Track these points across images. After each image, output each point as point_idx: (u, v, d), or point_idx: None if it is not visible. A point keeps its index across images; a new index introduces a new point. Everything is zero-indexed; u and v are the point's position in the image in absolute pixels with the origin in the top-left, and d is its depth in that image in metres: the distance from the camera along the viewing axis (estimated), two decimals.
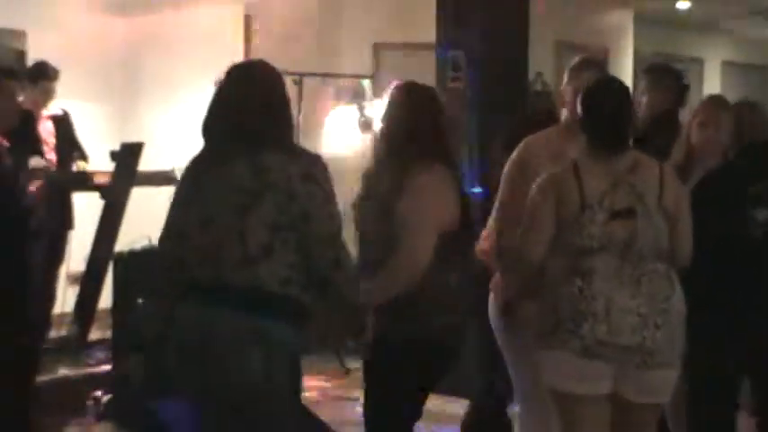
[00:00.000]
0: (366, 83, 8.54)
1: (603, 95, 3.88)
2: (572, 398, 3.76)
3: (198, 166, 3.57)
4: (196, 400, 3.54)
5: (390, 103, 4.04)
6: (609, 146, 3.82)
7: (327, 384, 7.16)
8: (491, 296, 4.44)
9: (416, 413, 3.95)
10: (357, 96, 8.51)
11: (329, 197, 3.46)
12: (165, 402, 4.64)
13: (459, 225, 3.91)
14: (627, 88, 3.95)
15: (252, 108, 3.48)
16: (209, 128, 3.54)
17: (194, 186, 3.54)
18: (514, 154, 4.35)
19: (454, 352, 3.96)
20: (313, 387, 6.84)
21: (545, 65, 9.01)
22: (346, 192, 8.28)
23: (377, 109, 8.49)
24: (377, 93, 8.69)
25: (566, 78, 4.40)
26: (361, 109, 8.44)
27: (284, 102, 3.58)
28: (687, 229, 3.87)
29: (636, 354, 3.69)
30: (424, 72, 7.58)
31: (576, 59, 4.51)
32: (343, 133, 8.53)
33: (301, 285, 3.41)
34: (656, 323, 3.70)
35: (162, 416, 4.68)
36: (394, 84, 4.11)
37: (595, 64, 4.60)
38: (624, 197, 3.74)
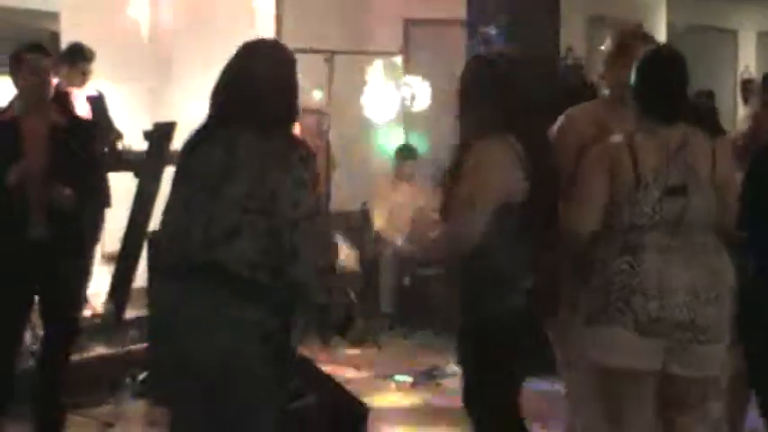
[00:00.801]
0: (397, 59, 8.52)
1: (661, 65, 3.84)
2: (621, 374, 3.73)
3: (190, 143, 3.57)
4: (173, 379, 3.46)
5: (465, 77, 3.99)
6: (663, 116, 3.77)
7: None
8: None
9: (516, 385, 3.95)
10: (388, 73, 8.50)
11: (299, 183, 3.31)
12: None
13: (534, 197, 3.84)
14: (684, 59, 3.89)
15: (246, 87, 3.47)
16: (210, 102, 3.57)
17: (183, 164, 3.55)
18: (556, 124, 4.32)
19: (533, 327, 3.95)
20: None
21: (577, 39, 8.95)
22: (377, 168, 8.25)
23: (408, 85, 8.54)
24: (407, 69, 8.70)
25: (612, 50, 4.31)
26: (393, 85, 8.44)
27: (284, 83, 3.52)
28: (735, 201, 3.85)
29: (688, 330, 3.66)
30: (455, 48, 7.58)
31: (625, 30, 4.46)
32: (375, 110, 8.53)
33: (273, 271, 3.30)
34: (708, 298, 3.68)
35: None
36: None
37: (649, 37, 4.52)
38: (677, 173, 3.71)
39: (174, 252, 3.40)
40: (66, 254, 5.12)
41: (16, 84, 5.10)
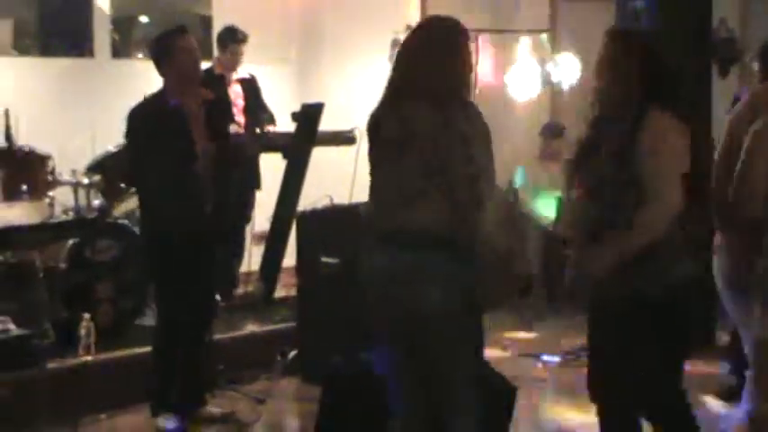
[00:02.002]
0: (544, 37, 8.41)
1: None
2: None
3: (373, 119, 3.74)
4: (386, 340, 3.80)
5: (607, 53, 3.89)
6: None
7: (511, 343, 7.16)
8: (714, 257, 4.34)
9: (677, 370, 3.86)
10: (536, 51, 8.40)
11: (468, 140, 3.50)
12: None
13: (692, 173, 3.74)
14: None
15: (417, 61, 3.65)
16: (388, 78, 3.72)
17: (370, 141, 3.77)
18: (741, 102, 4.21)
19: (697, 306, 3.85)
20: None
21: (730, 10, 8.64)
22: (523, 146, 8.14)
23: (556, 63, 8.42)
24: (555, 47, 8.57)
25: None
26: (540, 63, 8.33)
27: (455, 58, 3.66)
28: None
29: None
30: (604, 24, 7.41)
31: None
32: (523, 89, 8.44)
33: (461, 228, 3.54)
34: None
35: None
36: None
37: None
38: None
39: (380, 221, 3.68)
40: (222, 234, 5.31)
41: (162, 68, 5.17)
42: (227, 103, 6.87)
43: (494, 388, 4.46)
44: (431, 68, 3.61)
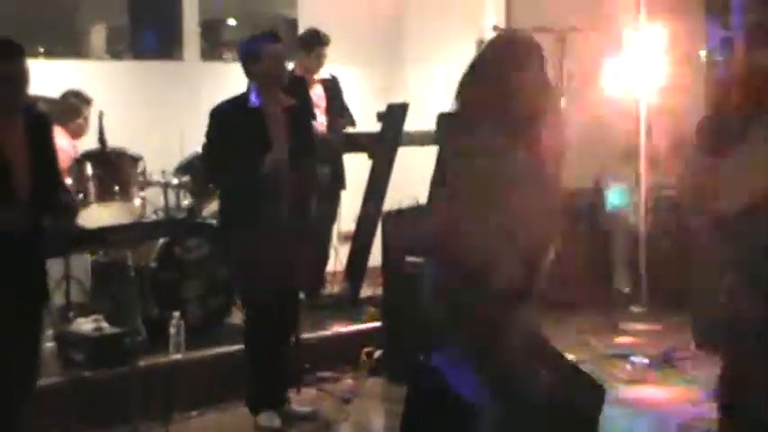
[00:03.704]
0: (630, 34, 8.29)
1: None
2: None
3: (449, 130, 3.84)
4: None
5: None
6: None
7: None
8: None
9: None
10: (623, 48, 8.30)
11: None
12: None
13: None
14: None
15: (475, 79, 3.65)
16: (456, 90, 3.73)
17: None
18: None
19: None
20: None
21: None
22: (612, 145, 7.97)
23: (644, 60, 8.31)
24: (642, 44, 8.45)
25: None
26: (627, 60, 8.24)
27: (510, 78, 3.58)
28: None
29: None
30: (693, 21, 7.33)
31: None
32: (612, 87, 8.36)
33: None
34: None
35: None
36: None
37: None
38: None
39: None
40: (302, 235, 5.33)
41: (249, 71, 5.24)
42: (308, 108, 6.91)
43: (582, 388, 4.42)
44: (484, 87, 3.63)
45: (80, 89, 6.88)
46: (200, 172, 6.27)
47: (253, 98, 5.22)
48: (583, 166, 8.42)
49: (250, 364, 5.39)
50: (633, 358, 6.63)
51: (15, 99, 4.15)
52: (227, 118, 5.21)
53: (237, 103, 5.26)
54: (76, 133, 6.79)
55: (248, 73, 5.25)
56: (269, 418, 5.36)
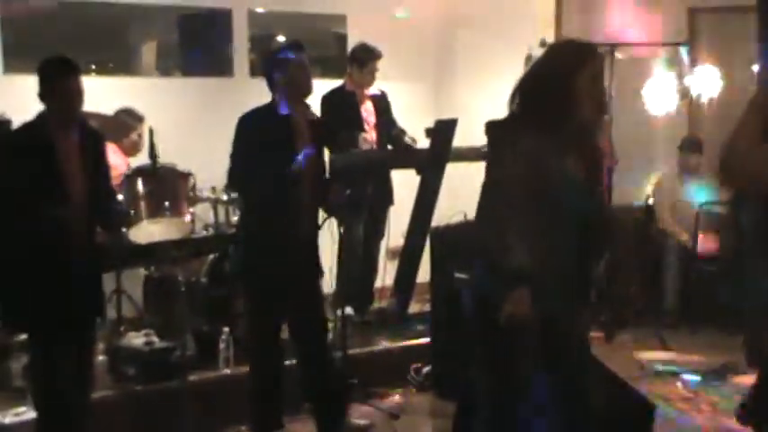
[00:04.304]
0: (683, 49, 8.24)
1: None
2: None
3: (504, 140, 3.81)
4: None
5: None
6: None
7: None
8: None
9: None
10: (674, 64, 8.26)
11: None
12: None
13: None
14: None
15: (528, 85, 3.72)
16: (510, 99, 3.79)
17: None
18: None
19: None
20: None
21: None
22: (661, 162, 7.95)
23: (694, 75, 8.26)
24: (694, 59, 8.40)
25: None
26: (678, 76, 8.19)
27: (555, 83, 3.63)
28: None
29: None
30: (743, 37, 7.27)
31: None
32: (661, 102, 8.31)
33: None
34: None
35: None
36: None
37: None
38: None
39: None
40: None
41: (275, 81, 5.19)
42: (330, 124, 6.87)
43: (632, 405, 4.39)
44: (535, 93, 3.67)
45: (132, 107, 6.96)
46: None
47: (282, 106, 5.18)
48: (634, 180, 8.39)
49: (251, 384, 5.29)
50: (684, 376, 6.57)
51: (71, 114, 4.55)
52: (253, 125, 5.14)
53: (265, 111, 5.21)
54: (131, 150, 6.86)
55: (273, 83, 5.21)
56: None
